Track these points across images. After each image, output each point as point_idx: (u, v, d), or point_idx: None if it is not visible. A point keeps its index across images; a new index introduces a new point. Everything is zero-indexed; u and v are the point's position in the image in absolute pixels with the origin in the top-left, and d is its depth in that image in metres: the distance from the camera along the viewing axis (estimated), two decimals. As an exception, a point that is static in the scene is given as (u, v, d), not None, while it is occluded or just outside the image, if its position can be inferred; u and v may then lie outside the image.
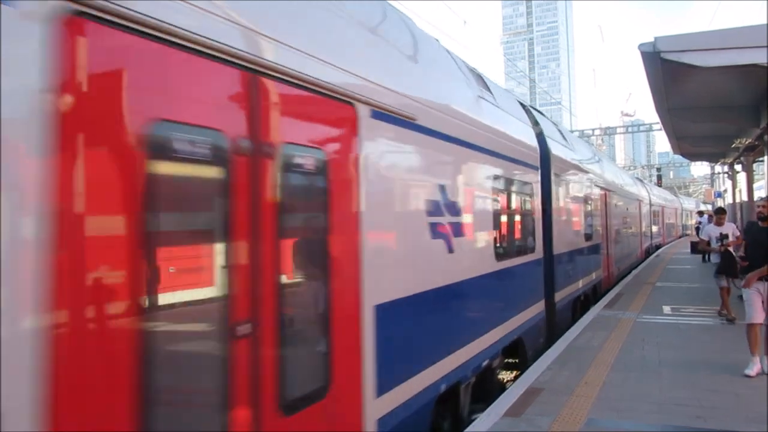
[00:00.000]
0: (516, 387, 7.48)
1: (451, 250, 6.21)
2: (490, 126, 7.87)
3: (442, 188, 6.01)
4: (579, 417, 6.29)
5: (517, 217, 9.24)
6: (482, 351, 6.99)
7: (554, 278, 10.99)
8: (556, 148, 11.73)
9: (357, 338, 4.44)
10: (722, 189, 43.06)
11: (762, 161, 22.28)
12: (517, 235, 9.36)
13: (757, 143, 17.19)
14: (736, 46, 9.75)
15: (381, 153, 4.90)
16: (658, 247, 38.02)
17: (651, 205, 35.10)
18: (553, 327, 10.86)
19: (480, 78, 8.59)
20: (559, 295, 11.37)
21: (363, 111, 4.60)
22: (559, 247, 11.36)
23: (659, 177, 65.19)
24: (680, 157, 34.05)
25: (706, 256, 26.24)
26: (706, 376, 7.86)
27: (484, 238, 7.44)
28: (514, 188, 8.86)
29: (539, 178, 10.20)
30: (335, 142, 4.33)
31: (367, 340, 4.53)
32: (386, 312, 4.81)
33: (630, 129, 62.20)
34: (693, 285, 18.00)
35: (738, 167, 24.62)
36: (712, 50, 9.99)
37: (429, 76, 6.32)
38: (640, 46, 10.45)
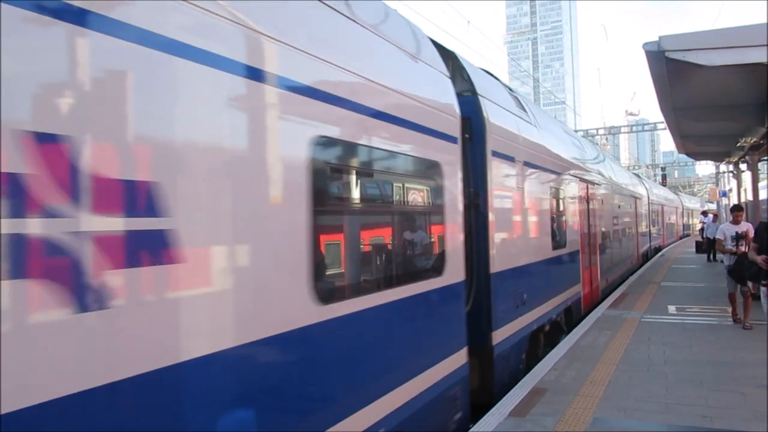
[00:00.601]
0: (521, 387, 7.47)
1: None
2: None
3: None
4: (584, 417, 6.29)
5: (387, 220, 5.35)
6: None
7: (491, 310, 7.43)
8: (499, 117, 8.20)
9: None
10: (727, 188, 42.92)
11: (767, 160, 22.19)
12: (383, 252, 5.31)
13: (762, 142, 17.11)
14: (741, 45, 9.71)
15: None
16: (657, 249, 35.71)
17: (650, 203, 32.09)
18: (488, 385, 7.40)
19: None
20: (503, 333, 7.82)
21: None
22: (502, 262, 7.88)
23: (664, 176, 65.03)
24: (685, 156, 33.92)
25: (711, 256, 26.29)
26: (713, 375, 7.84)
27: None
28: (386, 168, 5.31)
29: (459, 157, 6.49)
30: None
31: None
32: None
33: (634, 128, 62.09)
34: (698, 284, 17.95)
35: (743, 166, 24.50)
36: (716, 49, 9.95)
37: None
38: (645, 45, 10.41)
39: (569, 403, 6.76)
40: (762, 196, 20.64)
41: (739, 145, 18.69)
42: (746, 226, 11.32)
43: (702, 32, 10.52)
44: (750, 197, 22.00)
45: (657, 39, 10.21)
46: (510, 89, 10.29)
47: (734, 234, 11.11)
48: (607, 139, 53.50)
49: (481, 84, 8.01)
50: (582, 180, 13.54)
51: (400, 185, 5.51)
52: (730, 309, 11.79)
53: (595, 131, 51.21)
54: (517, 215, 8.75)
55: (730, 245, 11.20)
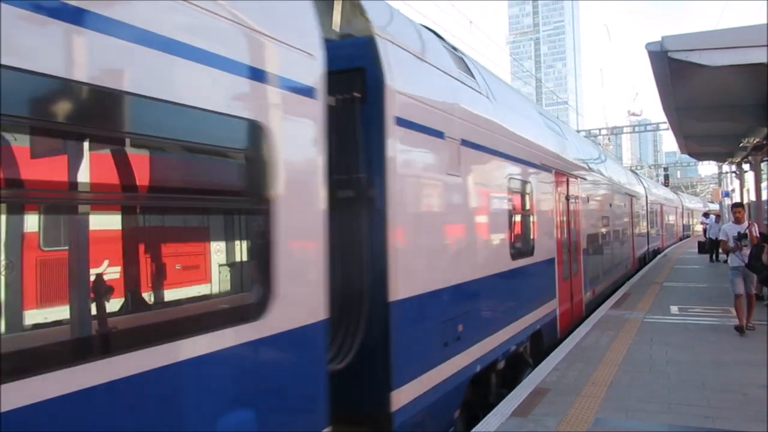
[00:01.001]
0: (523, 387, 7.47)
1: None
2: None
3: None
4: (586, 417, 6.29)
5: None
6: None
7: (390, 357, 4.98)
8: (415, 73, 5.91)
9: None
10: (730, 188, 42.87)
11: (770, 160, 22.19)
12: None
13: (765, 142, 17.08)
14: (744, 45, 9.70)
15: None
16: (656, 252, 33.24)
17: (648, 203, 29.80)
18: None
19: None
20: (414, 389, 5.30)
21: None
22: (414, 284, 5.44)
23: (666, 177, 64.96)
24: (687, 156, 33.87)
25: (714, 256, 26.27)
26: (715, 375, 7.83)
27: None
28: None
29: (319, 122, 4.25)
30: None
31: None
32: None
33: (637, 128, 62.02)
34: (701, 285, 17.94)
35: (746, 167, 24.46)
36: (719, 49, 9.93)
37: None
38: (647, 45, 10.40)
39: (571, 403, 6.76)
40: (765, 196, 20.56)
41: (741, 145, 18.66)
42: (748, 224, 11.15)
43: (705, 32, 10.51)
44: (753, 197, 21.98)
45: (660, 39, 10.20)
46: (453, 48, 7.96)
47: (736, 234, 10.91)
48: (609, 139, 53.40)
49: (384, 23, 5.56)
50: (560, 173, 11.34)
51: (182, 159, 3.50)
52: (735, 314, 11.07)
53: (597, 131, 51.15)
54: (445, 214, 6.27)
55: (732, 245, 11.02)
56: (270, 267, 3.67)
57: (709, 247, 27.33)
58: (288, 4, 4.17)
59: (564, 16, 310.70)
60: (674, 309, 13.31)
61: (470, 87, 7.35)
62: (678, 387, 7.36)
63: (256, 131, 3.62)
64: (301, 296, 4.00)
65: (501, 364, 7.67)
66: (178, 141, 3.30)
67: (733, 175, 35.69)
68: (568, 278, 11.65)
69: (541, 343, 9.58)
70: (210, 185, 3.68)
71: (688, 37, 10.39)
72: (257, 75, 3.65)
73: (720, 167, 46.46)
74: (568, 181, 11.97)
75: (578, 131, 32.43)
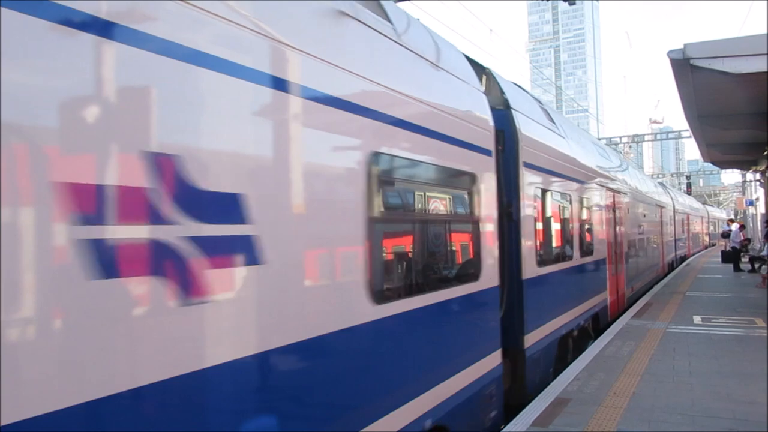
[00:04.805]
0: (543, 397, 7.42)
1: None
2: None
3: None
4: (608, 428, 6.22)
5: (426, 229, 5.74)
6: None
7: (524, 314, 7.74)
8: (529, 129, 8.47)
9: None
10: (754, 197, 42.26)
11: (795, 169, 21.84)
12: None
13: (790, 150, 16.87)
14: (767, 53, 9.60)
15: None
16: (682, 258, 34.68)
17: (675, 212, 31.35)
18: (521, 386, 7.67)
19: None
20: (534, 337, 8.08)
21: None
22: (533, 269, 8.13)
23: (689, 185, 64.29)
24: (710, 164, 33.49)
25: (737, 265, 25.91)
26: (740, 387, 7.71)
27: None
28: None
29: (493, 168, 6.92)
30: None
31: None
32: None
33: (659, 136, 61.45)
34: (724, 295, 17.67)
35: (770, 175, 24.18)
36: (742, 56, 9.85)
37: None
38: (670, 53, 10.33)
39: (593, 414, 6.69)
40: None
41: (766, 153, 18.42)
42: None
43: (728, 39, 10.43)
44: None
45: (682, 46, 10.13)
46: (540, 102, 10.50)
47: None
48: (630, 147, 52.94)
49: (513, 98, 8.20)
50: (608, 189, 13.60)
51: (437, 195, 5.84)
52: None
53: (618, 139, 50.75)
54: (546, 224, 8.95)
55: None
56: (480, 255, 6.29)
57: (733, 256, 26.93)
58: (476, 99, 6.61)
59: (584, 24, 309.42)
60: (697, 319, 13.13)
61: (554, 132, 9.94)
62: (702, 398, 7.26)
63: (473, 177, 6.19)
64: (491, 271, 6.52)
65: (575, 333, 10.33)
66: (445, 186, 5.90)
67: (758, 183, 35.19)
68: (615, 275, 14.05)
69: (598, 324, 12.18)
70: (459, 210, 6.27)
71: (710, 44, 10.31)
72: (473, 147, 6.21)
73: (744, 175, 45.87)
74: (614, 196, 14.35)
75: (599, 139, 32.25)
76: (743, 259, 26.87)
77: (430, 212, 5.63)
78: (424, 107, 5.23)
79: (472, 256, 6.28)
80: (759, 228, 33.80)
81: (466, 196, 6.23)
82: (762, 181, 27.60)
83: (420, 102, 5.15)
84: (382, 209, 4.59)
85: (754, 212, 41.95)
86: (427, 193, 5.56)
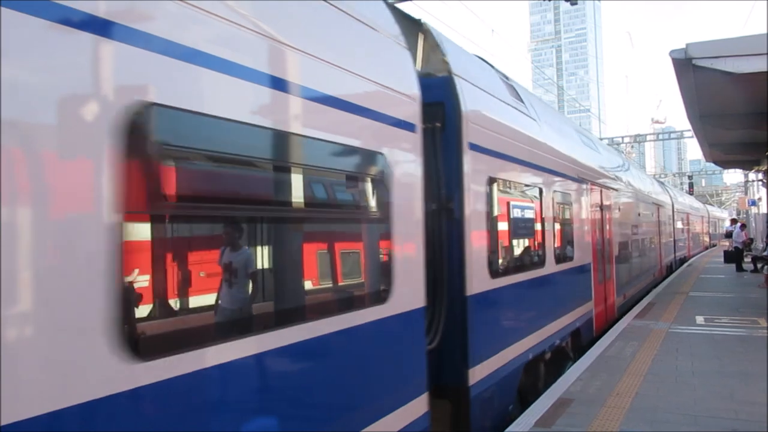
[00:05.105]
0: (546, 397, 7.41)
1: None
2: None
3: None
4: (611, 428, 6.21)
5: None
6: None
7: (468, 342, 5.97)
8: (482, 104, 6.87)
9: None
10: (756, 197, 42.21)
11: (798, 168, 21.82)
12: None
13: (792, 150, 16.85)
14: (770, 52, 9.59)
15: None
16: (682, 260, 32.95)
17: (675, 212, 30.12)
18: None
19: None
20: (486, 368, 6.36)
21: None
22: (485, 281, 6.47)
23: (691, 185, 64.20)
24: (712, 164, 33.45)
25: (740, 265, 25.88)
26: (742, 387, 7.70)
27: None
28: None
29: (418, 149, 5.21)
30: None
31: None
32: None
33: (661, 136, 61.39)
34: (727, 295, 17.64)
35: (773, 174, 24.17)
36: (744, 56, 9.83)
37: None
38: (672, 52, 10.33)
39: (595, 414, 6.68)
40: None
41: (768, 153, 18.40)
42: None
43: (730, 39, 10.42)
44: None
45: (684, 46, 10.12)
46: (505, 76, 8.88)
47: None
48: (632, 147, 52.89)
49: (458, 63, 6.52)
50: (595, 184, 12.09)
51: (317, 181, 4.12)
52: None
53: (620, 139, 50.71)
54: (506, 223, 7.31)
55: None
56: (391, 266, 4.59)
57: (736, 256, 26.89)
58: (397, 59, 5.05)
59: (586, 24, 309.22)
60: (700, 319, 13.11)
61: (522, 112, 8.31)
62: (705, 399, 7.25)
63: (380, 159, 4.51)
64: (408, 288, 4.82)
65: (548, 355, 8.53)
66: (331, 170, 4.19)
67: (760, 183, 35.13)
68: (602, 282, 12.40)
69: (579, 341, 10.40)
70: (345, 202, 4.54)
71: (713, 43, 10.30)
72: (380, 117, 4.56)
73: (746, 175, 45.80)
74: (601, 191, 12.67)
75: (601, 139, 32.11)
76: (746, 259, 26.84)
77: (282, 205, 3.74)
78: (282, 47, 3.54)
79: (371, 269, 4.58)
80: (761, 227, 33.74)
81: (361, 184, 4.49)
82: (764, 180, 27.58)
83: (276, 41, 3.49)
84: (165, 200, 2.93)
85: (757, 212, 41.90)
86: (280, 178, 3.76)
